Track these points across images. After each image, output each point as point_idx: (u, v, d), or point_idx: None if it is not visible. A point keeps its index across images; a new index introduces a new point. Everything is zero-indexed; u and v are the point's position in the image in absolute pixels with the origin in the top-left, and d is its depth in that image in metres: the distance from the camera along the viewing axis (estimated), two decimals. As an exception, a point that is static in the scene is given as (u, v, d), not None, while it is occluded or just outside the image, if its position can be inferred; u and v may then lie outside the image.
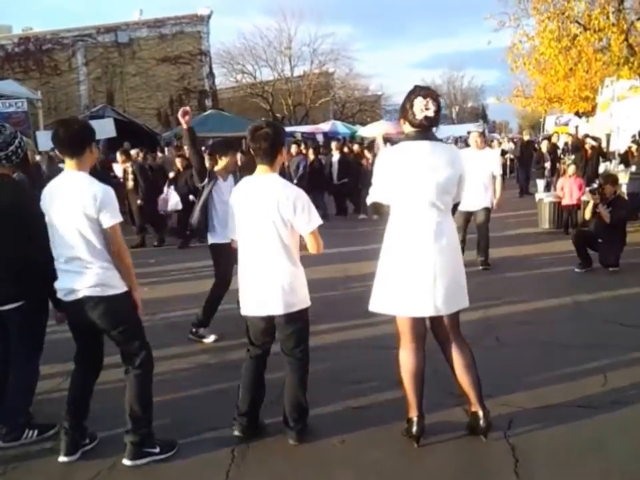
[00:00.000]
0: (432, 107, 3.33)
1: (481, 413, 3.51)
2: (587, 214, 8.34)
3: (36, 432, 3.76)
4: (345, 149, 16.02)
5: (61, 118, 3.64)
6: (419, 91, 3.40)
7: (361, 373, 4.62)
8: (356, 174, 14.01)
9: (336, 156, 14.77)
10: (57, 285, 3.42)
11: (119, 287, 3.35)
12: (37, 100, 18.54)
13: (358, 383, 4.45)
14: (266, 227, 3.46)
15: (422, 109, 3.33)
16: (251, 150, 3.60)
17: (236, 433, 3.66)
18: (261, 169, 3.56)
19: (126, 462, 3.42)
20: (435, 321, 3.53)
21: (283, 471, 3.41)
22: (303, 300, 3.59)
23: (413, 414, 3.53)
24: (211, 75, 27.65)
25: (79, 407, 3.53)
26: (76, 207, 3.24)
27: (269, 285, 3.50)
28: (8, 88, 17.36)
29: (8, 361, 3.75)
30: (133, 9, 27.96)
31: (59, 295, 3.42)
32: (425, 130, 3.40)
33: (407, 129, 3.45)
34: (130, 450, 3.43)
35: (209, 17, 26.78)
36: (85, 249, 3.28)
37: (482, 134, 8.72)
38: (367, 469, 3.37)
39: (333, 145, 15.48)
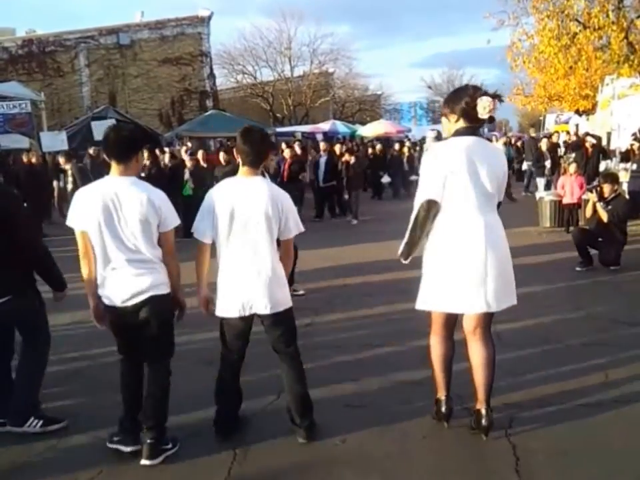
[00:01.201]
0: (497, 108, 3.36)
1: (484, 412, 3.53)
2: (588, 212, 8.38)
3: (40, 422, 3.81)
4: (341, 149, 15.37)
5: (115, 126, 3.77)
6: (479, 90, 3.39)
7: (361, 371, 4.64)
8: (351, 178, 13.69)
9: (323, 157, 14.28)
10: (109, 291, 3.43)
11: (168, 286, 3.52)
12: (40, 101, 18.61)
13: (358, 381, 4.46)
14: (254, 227, 3.47)
15: (490, 108, 3.30)
16: (238, 151, 3.59)
17: (217, 438, 3.67)
18: (247, 171, 3.57)
19: (145, 462, 3.43)
20: (470, 314, 3.53)
21: (285, 469, 3.42)
22: (288, 299, 3.65)
23: (442, 394, 3.66)
24: (212, 75, 27.70)
25: (137, 405, 3.57)
26: (133, 212, 3.32)
27: (258, 284, 3.48)
28: (12, 89, 17.44)
29: (4, 355, 3.91)
30: (134, 10, 27.94)
31: (111, 300, 3.43)
32: (476, 127, 3.43)
33: (455, 125, 3.43)
34: (149, 449, 3.45)
35: (210, 18, 26.83)
36: (142, 251, 3.38)
37: (437, 138, 8.64)
38: (368, 467, 3.38)
39: (322, 145, 14.93)
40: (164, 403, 3.55)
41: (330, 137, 26.39)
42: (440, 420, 3.72)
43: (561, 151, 16.32)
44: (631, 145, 12.70)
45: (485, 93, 3.35)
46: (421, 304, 3.58)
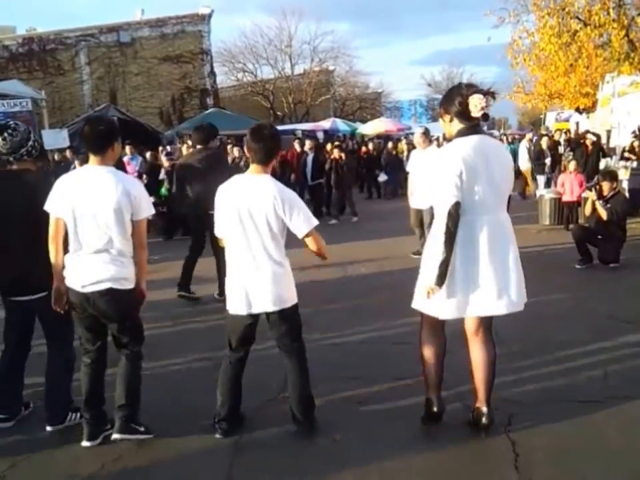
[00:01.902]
0: (490, 104, 3.36)
1: (485, 410, 3.55)
2: (587, 210, 8.40)
3: (78, 415, 3.86)
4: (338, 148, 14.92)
5: (90, 116, 3.84)
6: (474, 88, 3.39)
7: (361, 369, 4.66)
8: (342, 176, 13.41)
9: (310, 155, 13.96)
10: (75, 275, 3.50)
11: (133, 282, 3.56)
12: (41, 99, 18.57)
13: (358, 379, 4.48)
14: (259, 225, 3.48)
15: (482, 106, 3.28)
16: (248, 149, 3.62)
17: (217, 435, 3.69)
18: (255, 169, 3.58)
19: (116, 436, 3.60)
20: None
21: (284, 467, 3.43)
22: (294, 296, 3.66)
23: (433, 394, 3.62)
24: (212, 73, 27.66)
25: (98, 396, 3.67)
26: (106, 200, 3.38)
27: (264, 282, 3.51)
28: (12, 88, 17.41)
29: (21, 351, 3.93)
30: (134, 8, 27.91)
31: (75, 285, 3.50)
32: (476, 125, 3.42)
33: (456, 125, 3.43)
34: (119, 425, 3.60)
35: (210, 16, 26.78)
36: (114, 242, 3.44)
37: (424, 133, 8.55)
38: (367, 464, 3.39)
39: (307, 143, 14.56)
40: (134, 384, 3.65)
41: (330, 135, 26.43)
42: (430, 420, 3.67)
43: (562, 149, 16.30)
44: (632, 142, 12.69)
45: (478, 91, 3.34)
46: (444, 313, 3.45)
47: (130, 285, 3.53)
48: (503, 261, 3.38)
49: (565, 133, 20.96)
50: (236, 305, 3.59)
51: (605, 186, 8.13)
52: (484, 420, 3.55)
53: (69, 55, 24.58)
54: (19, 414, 4.01)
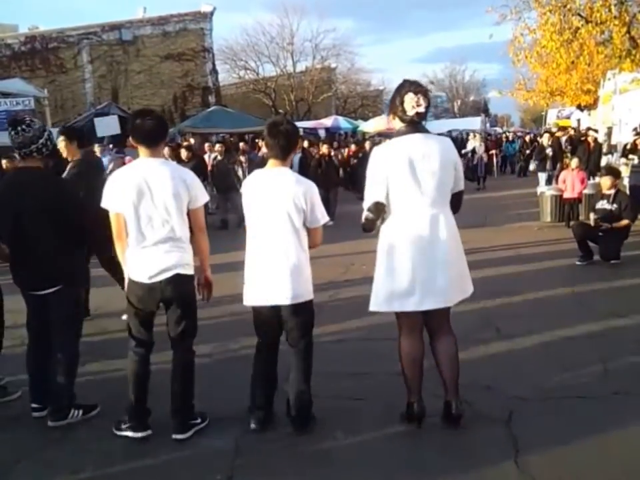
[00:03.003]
0: (423, 103, 3.39)
1: (454, 403, 3.59)
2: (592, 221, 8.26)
3: (81, 412, 3.93)
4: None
5: (140, 109, 3.93)
6: (409, 86, 3.44)
7: (360, 366, 4.67)
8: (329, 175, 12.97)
9: (297, 154, 13.13)
10: (140, 268, 3.55)
11: (193, 267, 3.66)
12: (43, 98, 18.67)
13: (357, 375, 4.50)
14: (281, 218, 3.53)
15: (413, 105, 3.37)
16: (266, 144, 3.67)
17: (253, 426, 3.71)
18: (274, 163, 3.63)
19: (178, 437, 3.63)
20: (430, 310, 3.55)
21: (286, 464, 3.44)
22: (309, 291, 3.68)
23: (414, 398, 3.61)
24: (214, 71, 27.70)
25: (144, 388, 3.70)
26: (165, 190, 3.46)
27: (280, 275, 3.53)
28: (15, 86, 17.50)
29: (45, 342, 3.96)
30: (136, 6, 27.89)
31: (142, 277, 3.55)
32: (415, 124, 3.44)
33: (398, 124, 3.50)
34: (178, 426, 3.65)
35: (212, 13, 26.81)
36: (175, 230, 3.53)
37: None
38: (366, 460, 3.41)
39: None
40: (190, 382, 3.69)
41: (332, 133, 26.46)
42: (411, 422, 3.66)
43: (565, 146, 16.24)
44: (635, 139, 12.70)
45: (413, 89, 3.40)
46: (376, 305, 3.59)
47: (191, 271, 3.63)
48: (434, 257, 3.41)
49: (573, 129, 20.94)
50: (255, 298, 3.65)
51: (608, 181, 8.13)
52: (453, 412, 3.59)
53: (71, 53, 24.62)
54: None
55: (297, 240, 3.58)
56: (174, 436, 3.63)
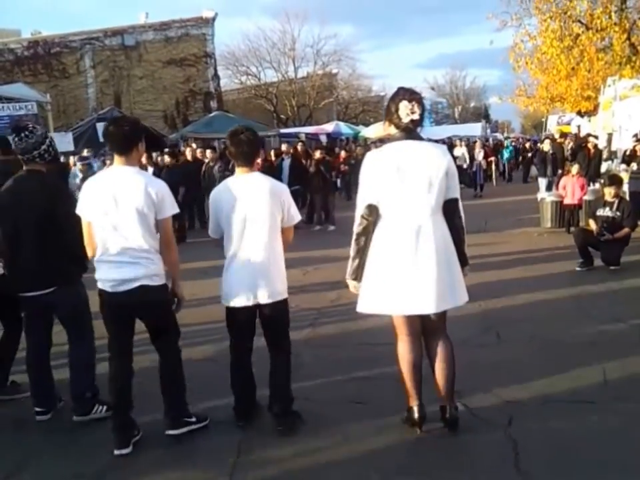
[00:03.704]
0: (417, 111, 3.44)
1: (449, 408, 3.61)
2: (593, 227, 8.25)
3: (105, 407, 3.95)
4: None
5: (116, 117, 3.97)
6: (404, 94, 3.49)
7: (360, 369, 4.69)
8: (315, 181, 12.78)
9: (287, 160, 13.17)
10: (103, 275, 3.56)
11: (163, 278, 3.63)
12: (46, 103, 18.72)
13: (358, 379, 4.51)
14: (257, 220, 3.66)
15: (407, 112, 3.42)
16: (231, 154, 3.78)
17: (239, 423, 3.85)
18: (243, 170, 3.75)
19: (171, 432, 3.68)
20: (425, 314, 3.56)
21: (286, 465, 3.46)
22: (286, 290, 3.81)
23: (414, 402, 3.61)
24: (216, 76, 27.78)
25: (127, 399, 3.67)
26: (131, 201, 3.45)
27: (260, 275, 3.66)
28: (17, 91, 17.57)
29: (44, 345, 4.06)
30: (139, 12, 28.02)
31: (105, 285, 3.55)
32: (409, 131, 3.49)
33: (392, 130, 3.54)
34: (170, 422, 3.69)
35: (214, 19, 26.91)
36: (141, 241, 3.50)
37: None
38: (367, 463, 3.42)
39: (284, 147, 13.74)
40: (177, 379, 3.72)
41: (333, 138, 26.51)
42: (413, 426, 3.66)
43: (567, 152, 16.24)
44: (634, 146, 12.74)
45: (407, 97, 3.44)
46: (364, 307, 3.61)
47: (160, 281, 3.59)
48: (419, 264, 3.42)
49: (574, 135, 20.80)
50: (234, 298, 3.72)
51: (613, 191, 8.16)
52: (448, 416, 3.62)
53: (74, 58, 24.71)
54: (54, 406, 4.12)
55: (275, 241, 3.73)
56: (167, 432, 3.68)
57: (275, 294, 3.72)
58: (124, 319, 3.61)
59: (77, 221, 3.63)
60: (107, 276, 3.53)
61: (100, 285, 3.58)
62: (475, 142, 22.19)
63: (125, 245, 3.48)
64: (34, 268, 3.87)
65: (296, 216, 3.86)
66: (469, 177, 18.70)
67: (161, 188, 3.57)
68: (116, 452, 3.54)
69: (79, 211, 3.60)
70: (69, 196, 3.86)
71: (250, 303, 3.70)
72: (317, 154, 13.58)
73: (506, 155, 25.70)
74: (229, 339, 3.93)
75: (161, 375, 3.72)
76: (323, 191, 12.78)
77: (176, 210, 3.65)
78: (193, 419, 3.77)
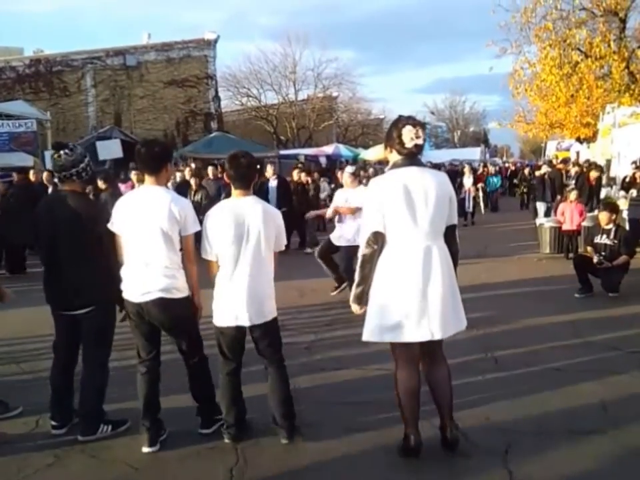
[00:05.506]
0: (422, 135, 3.46)
1: (449, 427, 3.62)
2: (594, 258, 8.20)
3: (110, 427, 4.01)
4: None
5: (148, 140, 4.31)
6: (406, 119, 3.51)
7: (359, 394, 4.66)
8: (303, 202, 12.56)
9: (274, 182, 12.40)
10: (130, 287, 3.79)
11: (184, 291, 3.83)
12: (46, 120, 18.80)
13: (357, 404, 4.48)
14: (251, 242, 3.73)
15: (412, 137, 3.43)
16: (229, 176, 3.87)
17: (227, 440, 3.88)
18: (239, 193, 3.84)
19: (203, 431, 3.97)
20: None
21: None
22: (274, 309, 3.91)
23: (410, 430, 3.60)
24: (217, 98, 27.92)
25: (154, 404, 3.86)
26: (156, 219, 3.68)
27: (251, 297, 3.73)
28: (18, 108, 17.65)
29: (69, 362, 4.12)
30: (141, 32, 28.19)
31: (131, 296, 3.78)
32: (412, 156, 3.50)
33: (394, 156, 3.54)
34: (202, 422, 3.99)
35: (216, 41, 27.12)
36: (164, 255, 3.72)
37: (353, 174, 8.13)
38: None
39: (269, 169, 12.88)
40: (205, 384, 3.99)
41: (333, 160, 26.60)
42: (409, 455, 3.62)
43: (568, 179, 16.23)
44: (634, 173, 12.77)
45: (409, 123, 3.46)
46: (369, 335, 3.59)
47: (181, 294, 3.79)
48: (426, 290, 3.42)
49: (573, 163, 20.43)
50: (225, 318, 3.79)
51: (605, 216, 8.15)
52: (449, 437, 3.62)
53: (75, 76, 24.82)
54: (70, 421, 4.11)
55: (267, 264, 3.82)
56: (200, 430, 3.96)
57: (266, 314, 3.81)
58: (147, 326, 3.83)
59: (113, 239, 3.83)
60: (131, 286, 3.77)
61: (125, 295, 3.82)
62: (464, 167, 20.57)
63: (148, 260, 3.71)
64: (72, 287, 3.90)
65: (283, 242, 3.96)
66: (458, 204, 18.20)
67: (184, 207, 3.80)
68: (145, 449, 3.76)
69: (111, 225, 3.83)
70: (108, 215, 3.92)
71: (240, 323, 3.77)
72: (302, 176, 13.55)
73: (494, 182, 22.94)
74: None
75: (189, 380, 4.00)
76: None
77: (197, 228, 3.86)
78: (220, 417, 3.95)
